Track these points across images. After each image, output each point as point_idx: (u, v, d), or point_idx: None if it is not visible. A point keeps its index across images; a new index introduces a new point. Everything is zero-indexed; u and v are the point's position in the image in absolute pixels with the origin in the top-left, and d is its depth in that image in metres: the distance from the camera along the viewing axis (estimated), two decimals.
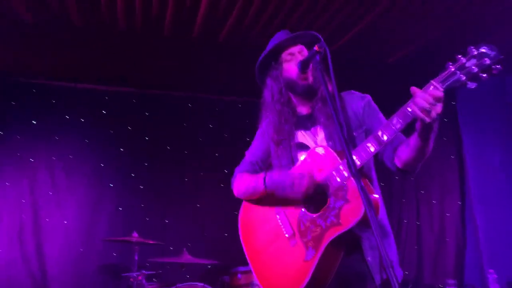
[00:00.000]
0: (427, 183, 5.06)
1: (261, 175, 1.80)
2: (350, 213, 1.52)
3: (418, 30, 3.85)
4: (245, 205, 1.94)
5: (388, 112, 1.77)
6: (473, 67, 1.29)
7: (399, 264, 1.73)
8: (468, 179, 4.58)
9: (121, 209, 4.70)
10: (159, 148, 4.94)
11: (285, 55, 1.85)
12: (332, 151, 1.65)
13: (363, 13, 3.57)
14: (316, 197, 1.67)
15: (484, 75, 1.29)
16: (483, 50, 1.29)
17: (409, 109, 1.40)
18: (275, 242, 1.75)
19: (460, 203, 4.79)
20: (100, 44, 4.07)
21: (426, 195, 5.10)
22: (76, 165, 4.71)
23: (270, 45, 1.89)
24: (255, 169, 1.97)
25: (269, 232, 1.78)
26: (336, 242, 1.56)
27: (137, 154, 4.86)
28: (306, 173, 1.62)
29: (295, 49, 1.85)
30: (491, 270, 4.12)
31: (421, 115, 1.35)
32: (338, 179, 1.58)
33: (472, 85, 1.31)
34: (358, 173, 1.33)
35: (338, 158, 1.61)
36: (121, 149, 4.86)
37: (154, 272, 3.87)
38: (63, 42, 4.04)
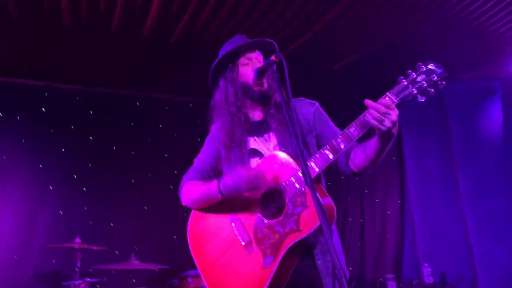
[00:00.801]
0: (371, 182, 5.33)
1: (214, 182, 1.74)
2: (310, 218, 1.55)
3: (363, 40, 4.03)
4: (194, 215, 1.86)
5: (332, 115, 1.85)
6: (423, 82, 1.43)
7: (345, 263, 1.80)
8: (407, 180, 4.88)
9: (62, 213, 4.44)
10: (104, 148, 4.72)
11: (242, 59, 1.86)
12: (289, 157, 1.67)
13: (313, 22, 3.66)
14: (272, 203, 1.69)
15: (432, 90, 1.43)
16: (431, 67, 1.43)
17: (366, 119, 1.48)
18: (229, 251, 1.71)
19: (399, 202, 5.10)
20: (40, 38, 3.79)
21: (370, 194, 5.38)
22: (11, 166, 4.38)
23: (228, 47, 1.88)
24: (204, 177, 1.91)
25: (223, 241, 1.74)
26: (293, 248, 1.59)
27: (80, 155, 4.62)
28: (261, 175, 1.63)
29: (253, 54, 1.87)
30: (425, 264, 4.44)
31: (376, 124, 1.44)
32: (297, 185, 1.60)
33: (421, 98, 1.44)
34: (313, 183, 1.37)
35: (296, 165, 1.64)
36: (63, 149, 4.59)
37: (98, 280, 3.70)
38: None
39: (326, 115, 1.86)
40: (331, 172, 1.83)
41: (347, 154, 1.72)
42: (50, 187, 4.47)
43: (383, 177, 5.26)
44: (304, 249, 1.64)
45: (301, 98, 1.91)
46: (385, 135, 1.48)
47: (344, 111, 4.65)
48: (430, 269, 4.39)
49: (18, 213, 4.30)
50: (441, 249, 4.44)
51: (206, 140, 1.99)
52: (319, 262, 1.65)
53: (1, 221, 4.22)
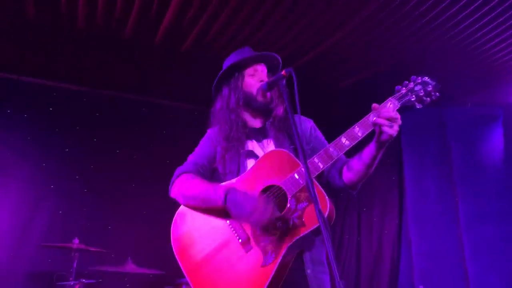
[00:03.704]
0: (369, 201, 5.34)
1: (221, 188, 1.67)
2: (315, 213, 1.52)
3: (369, 60, 4.12)
4: (180, 214, 1.81)
5: (334, 133, 1.91)
6: (420, 91, 1.58)
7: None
8: (406, 201, 4.90)
9: (61, 212, 4.45)
10: (107, 151, 4.74)
11: (249, 70, 1.93)
12: (291, 154, 1.69)
13: (321, 39, 3.75)
14: (271, 200, 1.67)
15: (428, 99, 1.59)
16: (426, 79, 1.60)
17: (373, 121, 1.56)
18: (223, 250, 1.66)
19: (397, 222, 5.10)
20: (54, 40, 3.88)
21: (368, 213, 5.38)
22: (14, 163, 4.39)
23: (236, 57, 1.95)
24: (199, 171, 1.88)
25: (216, 240, 1.68)
26: (292, 248, 1.57)
27: (83, 156, 4.64)
28: (270, 209, 1.57)
29: (259, 67, 1.94)
30: (420, 286, 4.43)
31: (387, 127, 1.52)
32: (301, 181, 1.61)
33: (419, 105, 1.60)
34: (312, 179, 1.43)
35: (298, 161, 1.66)
36: (66, 150, 4.62)
37: (94, 281, 3.70)
38: (13, 33, 3.80)
39: (320, 132, 1.96)
40: (326, 188, 1.85)
41: (340, 169, 1.78)
42: (52, 186, 4.49)
43: (381, 196, 5.28)
44: (298, 250, 1.64)
45: (298, 115, 1.97)
46: (389, 139, 1.56)
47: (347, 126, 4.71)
48: None
49: (17, 210, 4.30)
50: (436, 271, 4.44)
51: (201, 140, 2.00)
52: (308, 271, 1.64)
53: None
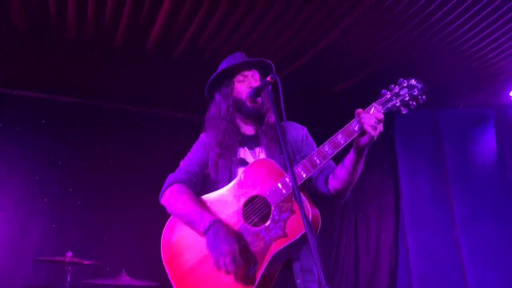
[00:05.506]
0: (366, 205, 5.32)
1: (207, 217, 1.65)
2: (296, 224, 1.55)
3: (361, 63, 4.14)
4: (170, 223, 1.81)
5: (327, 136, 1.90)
6: (405, 95, 1.57)
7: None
8: (402, 204, 4.88)
9: (54, 225, 4.40)
10: (100, 163, 4.70)
11: (238, 76, 1.92)
12: (276, 164, 1.69)
13: (312, 43, 3.77)
14: (255, 210, 1.67)
15: (414, 103, 1.57)
16: (412, 82, 1.58)
17: (356, 127, 1.56)
18: (209, 260, 1.62)
19: (394, 226, 5.08)
20: (44, 51, 3.87)
21: (364, 217, 5.36)
22: (6, 176, 4.35)
23: (226, 64, 1.94)
24: (191, 179, 1.86)
25: (202, 251, 1.66)
26: (276, 256, 1.57)
27: (77, 168, 4.60)
28: (231, 258, 1.52)
29: (249, 72, 1.93)
30: None
31: (370, 130, 1.51)
32: (284, 191, 1.61)
33: (404, 110, 1.58)
34: (299, 188, 1.41)
35: (283, 171, 1.66)
36: (59, 162, 4.58)
37: None
38: (3, 45, 3.79)
39: (313, 140, 1.94)
40: (314, 195, 1.82)
41: (327, 177, 1.77)
42: (45, 199, 4.44)
43: (377, 201, 5.26)
44: (286, 260, 1.64)
45: (292, 122, 1.97)
46: (366, 146, 1.56)
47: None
48: None
49: (10, 224, 4.24)
50: (434, 273, 4.42)
51: (194, 145, 1.98)
52: (298, 281, 1.64)
53: None
